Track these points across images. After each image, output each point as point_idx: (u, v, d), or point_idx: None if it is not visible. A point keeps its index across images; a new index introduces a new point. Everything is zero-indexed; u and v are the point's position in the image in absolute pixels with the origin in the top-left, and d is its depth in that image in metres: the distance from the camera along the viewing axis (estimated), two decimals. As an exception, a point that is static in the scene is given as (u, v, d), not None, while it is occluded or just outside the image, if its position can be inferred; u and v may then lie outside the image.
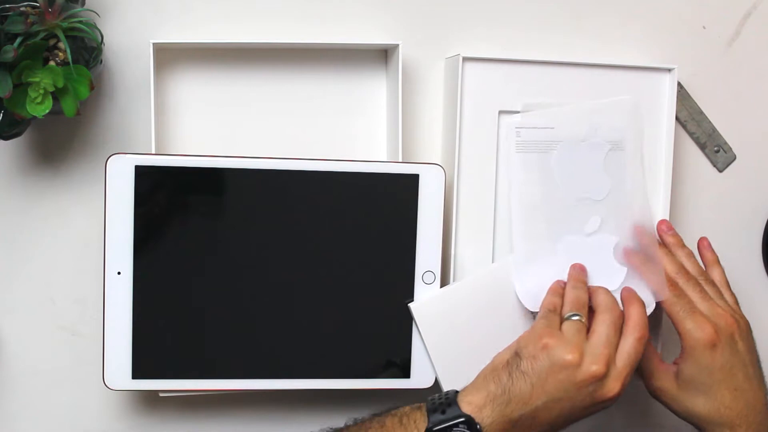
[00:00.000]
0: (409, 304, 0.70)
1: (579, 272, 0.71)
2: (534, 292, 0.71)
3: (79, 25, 0.64)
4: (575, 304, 0.68)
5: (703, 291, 0.71)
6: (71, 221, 0.72)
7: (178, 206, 0.68)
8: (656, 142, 0.75)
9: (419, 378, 0.71)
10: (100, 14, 0.69)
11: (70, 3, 0.65)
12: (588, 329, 0.66)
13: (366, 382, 0.71)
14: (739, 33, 0.80)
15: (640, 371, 0.71)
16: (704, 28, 0.79)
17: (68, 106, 0.65)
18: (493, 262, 0.73)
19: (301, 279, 0.70)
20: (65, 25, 0.63)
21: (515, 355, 0.65)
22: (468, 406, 0.63)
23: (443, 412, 0.63)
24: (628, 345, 0.65)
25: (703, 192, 0.80)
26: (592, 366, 0.63)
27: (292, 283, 0.70)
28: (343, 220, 0.70)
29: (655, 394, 0.71)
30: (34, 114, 0.63)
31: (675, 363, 0.71)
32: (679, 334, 0.69)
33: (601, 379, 0.63)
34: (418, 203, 0.70)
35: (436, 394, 0.65)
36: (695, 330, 0.68)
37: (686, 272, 0.72)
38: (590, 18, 0.77)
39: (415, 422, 0.63)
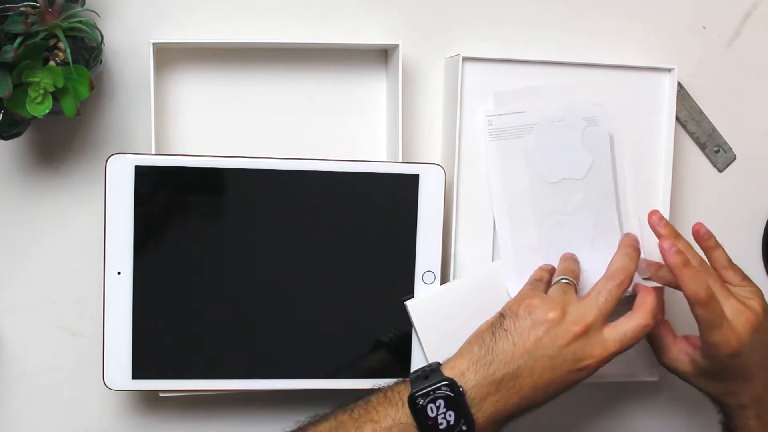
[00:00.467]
0: (405, 302, 0.70)
1: (571, 254, 0.72)
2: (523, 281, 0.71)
3: (79, 25, 0.64)
4: (564, 272, 0.68)
5: (724, 286, 0.68)
6: (71, 221, 0.72)
7: (178, 206, 0.68)
8: (656, 142, 0.75)
9: (419, 378, 0.71)
10: (100, 14, 0.69)
11: (70, 3, 0.65)
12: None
13: (366, 382, 0.71)
14: (739, 33, 0.80)
15: (653, 346, 0.71)
16: (704, 28, 0.79)
17: (68, 106, 0.65)
18: (493, 261, 0.73)
19: (301, 279, 0.70)
20: (65, 25, 0.63)
21: (499, 316, 0.65)
22: (451, 370, 0.63)
23: (426, 378, 0.63)
24: (629, 326, 0.64)
25: (703, 192, 0.80)
26: (574, 326, 0.63)
27: (292, 283, 0.70)
28: (343, 220, 0.70)
29: (667, 368, 0.71)
30: (34, 114, 0.63)
31: (689, 343, 0.69)
32: (702, 339, 0.66)
33: (580, 339, 0.62)
34: (418, 203, 0.70)
35: (420, 367, 0.66)
36: (721, 344, 0.65)
37: (707, 266, 0.69)
38: (590, 18, 0.77)
39: (399, 393, 0.63)
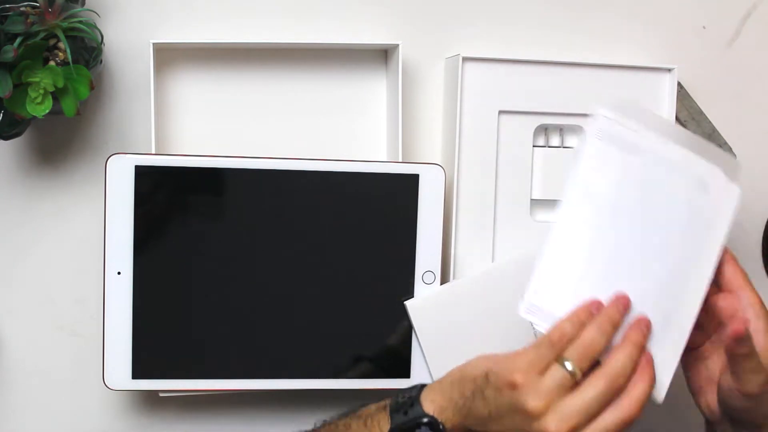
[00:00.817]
0: (405, 302, 0.70)
1: (617, 309, 0.58)
2: (547, 306, 0.60)
3: (79, 25, 0.64)
4: (583, 350, 0.56)
5: None
6: (71, 221, 0.72)
7: (178, 206, 0.68)
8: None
9: (419, 378, 0.71)
10: (100, 14, 0.69)
11: (70, 3, 0.65)
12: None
13: (366, 382, 0.71)
14: (739, 33, 0.80)
15: (691, 387, 0.62)
16: (704, 28, 0.79)
17: (68, 106, 0.65)
18: (493, 262, 0.73)
19: (301, 279, 0.70)
20: (65, 25, 0.64)
21: (485, 377, 0.58)
22: (431, 405, 0.60)
23: (405, 413, 0.60)
24: (609, 421, 0.55)
25: (703, 192, 0.80)
26: (551, 424, 0.55)
27: (292, 283, 0.70)
28: (343, 220, 0.70)
29: (708, 411, 0.62)
30: (34, 114, 0.63)
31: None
32: None
33: None
34: (418, 203, 0.70)
35: (400, 393, 0.63)
36: None
37: None
38: (590, 18, 0.77)
39: (378, 423, 0.61)
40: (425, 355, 0.70)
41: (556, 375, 0.56)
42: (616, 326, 0.58)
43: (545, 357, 0.57)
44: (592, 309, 0.58)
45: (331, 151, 0.74)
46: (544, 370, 0.56)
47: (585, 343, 0.57)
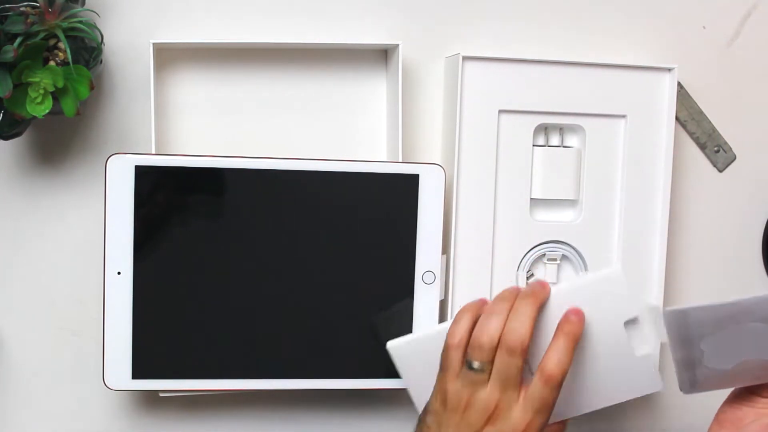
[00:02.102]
0: (387, 345, 0.65)
1: (507, 289, 0.61)
2: None
3: (79, 25, 0.65)
4: (481, 345, 0.58)
5: None
6: (71, 221, 0.72)
7: (178, 206, 0.68)
8: (656, 142, 0.75)
9: (419, 378, 0.71)
10: (100, 14, 0.69)
11: (70, 3, 0.65)
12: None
13: (366, 382, 0.71)
14: (739, 33, 0.80)
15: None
16: (704, 28, 0.79)
17: (68, 106, 0.65)
18: (492, 261, 0.73)
19: (301, 279, 0.70)
20: (65, 25, 0.64)
21: (418, 419, 0.62)
22: None
23: None
24: (536, 389, 0.57)
25: (703, 192, 0.80)
26: (484, 412, 0.58)
27: (292, 283, 0.70)
28: (343, 220, 0.70)
29: None
30: (34, 114, 0.63)
31: None
32: None
33: (495, 421, 0.57)
34: (418, 203, 0.70)
35: None
36: None
37: None
38: (590, 18, 0.77)
39: None
40: (411, 394, 0.65)
41: (466, 379, 0.58)
42: (508, 304, 0.59)
43: (450, 372, 0.59)
44: (476, 308, 0.60)
45: (331, 151, 0.74)
46: (456, 376, 0.59)
47: (480, 338, 0.58)
